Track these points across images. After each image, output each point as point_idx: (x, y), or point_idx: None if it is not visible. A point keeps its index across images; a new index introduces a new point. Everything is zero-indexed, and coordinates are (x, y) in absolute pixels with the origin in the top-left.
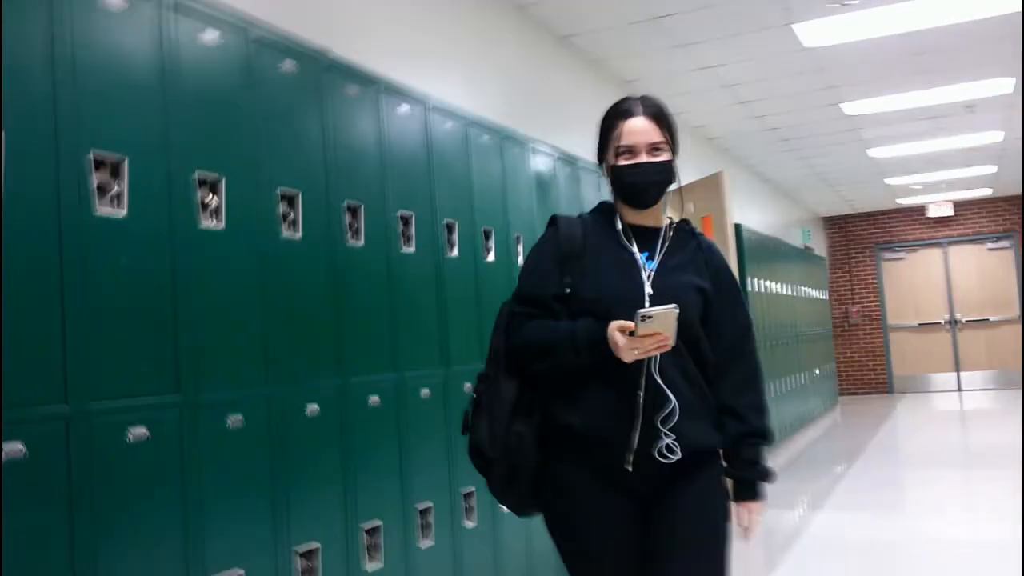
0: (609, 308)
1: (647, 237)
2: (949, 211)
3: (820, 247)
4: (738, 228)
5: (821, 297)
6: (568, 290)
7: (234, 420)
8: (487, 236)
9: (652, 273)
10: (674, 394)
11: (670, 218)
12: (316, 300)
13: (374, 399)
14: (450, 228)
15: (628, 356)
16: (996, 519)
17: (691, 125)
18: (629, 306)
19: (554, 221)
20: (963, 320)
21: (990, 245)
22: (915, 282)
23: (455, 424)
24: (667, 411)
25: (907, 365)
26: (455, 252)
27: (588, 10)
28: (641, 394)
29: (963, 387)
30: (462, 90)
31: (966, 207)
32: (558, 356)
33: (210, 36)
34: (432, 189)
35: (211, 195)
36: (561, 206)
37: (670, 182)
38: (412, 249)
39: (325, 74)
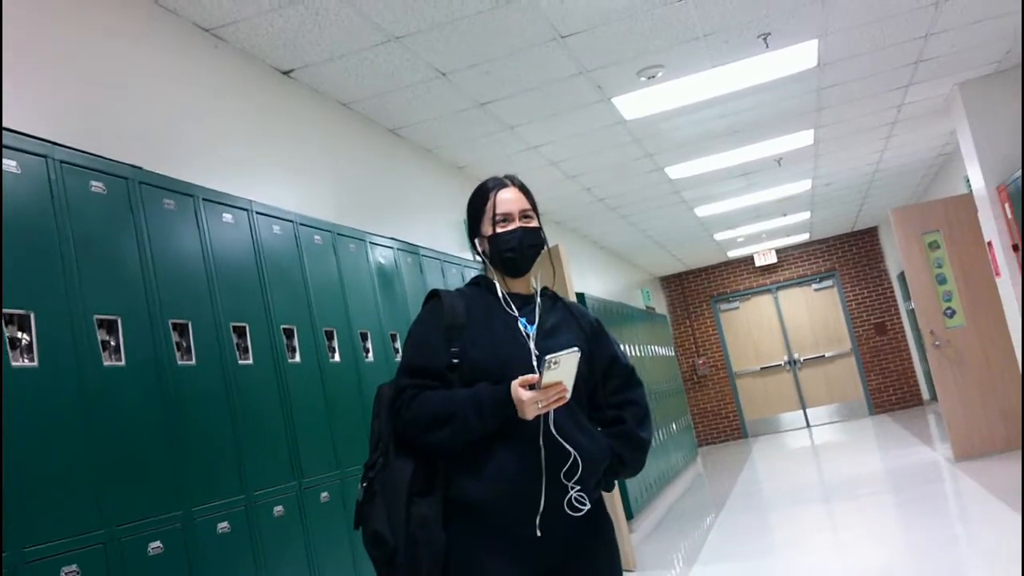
0: (502, 372)
1: (522, 303)
2: (773, 259)
3: (661, 305)
4: (581, 297)
5: (668, 354)
6: (456, 360)
7: (68, 572)
8: (329, 337)
9: (534, 336)
10: (574, 447)
11: (542, 286)
12: (148, 428)
13: (223, 526)
14: (289, 333)
15: (532, 411)
16: (866, 547)
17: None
18: (520, 369)
19: (435, 294)
20: (801, 359)
21: (815, 286)
22: (752, 328)
23: (317, 541)
24: (569, 465)
25: (757, 408)
26: (297, 357)
27: (412, 103)
28: (543, 452)
29: (811, 423)
30: (291, 192)
31: (788, 253)
32: (459, 424)
33: (8, 164)
34: (266, 295)
35: (20, 332)
36: (406, 297)
37: (542, 247)
38: (250, 360)
39: (139, 190)
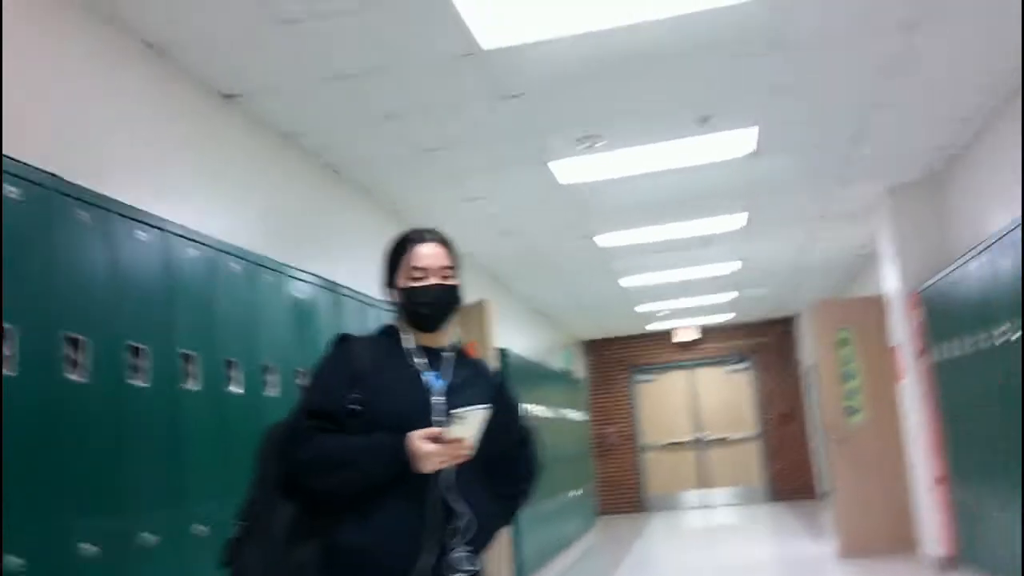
0: (401, 424)
1: (434, 357)
2: (696, 335)
3: (581, 369)
4: (504, 352)
5: (581, 419)
6: (357, 407)
7: None
8: (230, 367)
9: (442, 391)
10: (462, 507)
11: (455, 341)
12: (29, 441)
13: (89, 548)
14: (189, 359)
15: (430, 465)
16: None
17: (459, 252)
18: (420, 423)
19: (344, 339)
20: (707, 439)
21: (729, 368)
22: (664, 403)
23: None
24: (461, 524)
25: (659, 483)
26: (194, 384)
27: (357, 142)
28: (434, 508)
29: (709, 504)
30: (216, 217)
31: (710, 331)
32: (352, 471)
33: None
34: (171, 318)
35: None
36: (322, 334)
37: (458, 305)
38: (144, 382)
39: (55, 199)
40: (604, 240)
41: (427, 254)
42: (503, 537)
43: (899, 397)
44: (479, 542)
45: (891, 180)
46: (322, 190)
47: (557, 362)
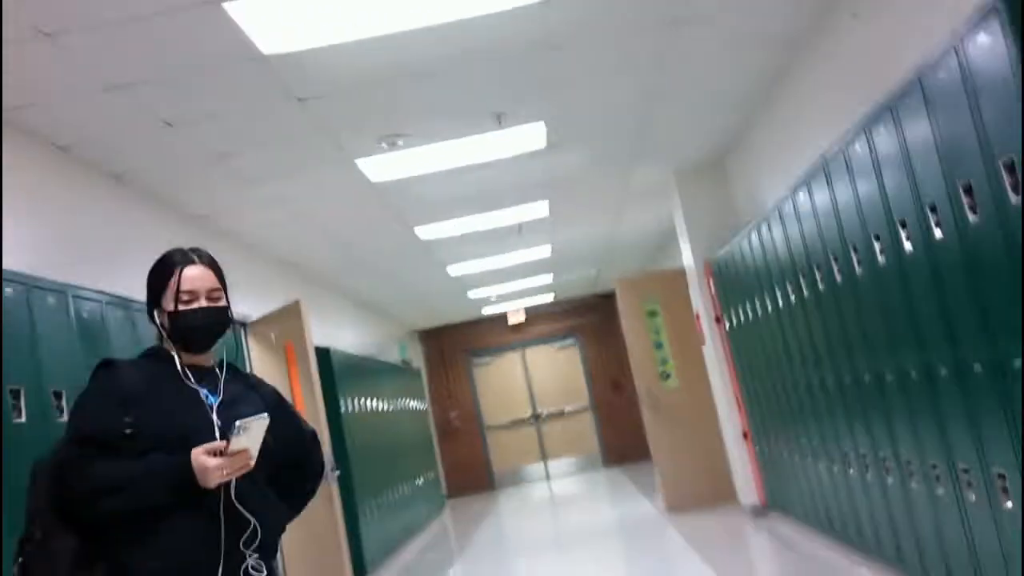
0: (182, 442)
1: (204, 375)
2: (523, 317)
3: (419, 358)
4: (327, 352)
5: (421, 407)
6: (130, 430)
7: None
8: (16, 396)
9: (215, 407)
10: (254, 515)
11: (218, 359)
12: None
13: None
14: None
15: (215, 478)
16: None
17: (272, 254)
18: (201, 439)
19: (108, 364)
20: (545, 414)
21: (558, 344)
22: (502, 383)
23: None
24: (249, 533)
25: (504, 460)
26: None
27: (140, 151)
28: (223, 521)
29: (551, 475)
30: None
31: (536, 312)
32: (132, 495)
33: None
34: None
35: None
36: (115, 352)
37: (228, 326)
38: None
39: None
40: (425, 232)
41: (195, 276)
42: (338, 536)
43: (704, 361)
44: (270, 548)
45: (678, 163)
46: (107, 202)
47: (393, 355)
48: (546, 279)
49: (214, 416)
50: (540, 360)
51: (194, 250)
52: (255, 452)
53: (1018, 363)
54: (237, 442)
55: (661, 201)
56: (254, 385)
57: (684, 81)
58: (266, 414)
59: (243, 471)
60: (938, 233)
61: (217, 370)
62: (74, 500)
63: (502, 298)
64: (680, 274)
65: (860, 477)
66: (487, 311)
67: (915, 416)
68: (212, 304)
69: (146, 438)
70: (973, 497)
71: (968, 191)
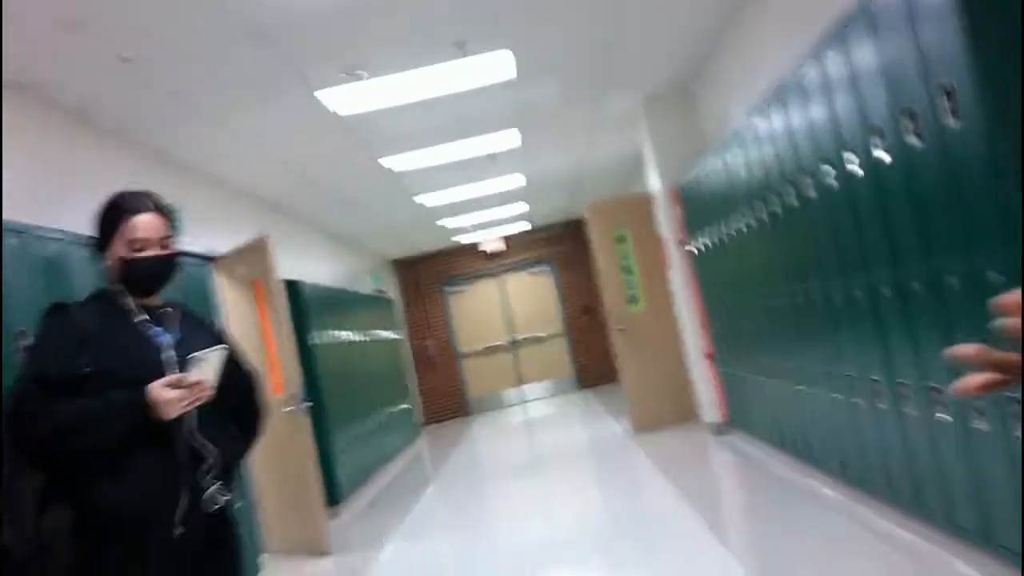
0: (138, 381)
1: (154, 314)
2: (499, 246)
3: (393, 289)
4: (296, 285)
5: (395, 337)
6: (89, 369)
7: None
8: None
9: (171, 344)
10: (214, 444)
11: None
12: None
13: None
14: None
15: (174, 410)
16: (545, 514)
17: (237, 187)
18: (156, 376)
19: (60, 307)
20: (520, 339)
21: (531, 271)
22: (477, 311)
23: None
24: (211, 462)
25: (480, 387)
26: None
27: (98, 88)
28: (185, 452)
29: (527, 399)
30: None
31: (514, 240)
32: (97, 432)
33: None
34: None
35: None
36: (79, 291)
37: (177, 272)
38: None
39: None
40: (391, 163)
41: (147, 224)
42: (310, 466)
43: (670, 285)
44: (228, 477)
45: (646, 90)
46: (66, 140)
47: (366, 286)
48: (520, 208)
49: (168, 354)
50: (515, 286)
51: (145, 194)
52: (214, 382)
53: (955, 280)
54: (195, 373)
55: (630, 128)
56: (202, 322)
57: (648, 9)
58: (225, 345)
59: (202, 401)
60: (884, 156)
61: (169, 308)
62: (38, 439)
63: (476, 227)
64: (649, 199)
65: (810, 394)
66: (459, 239)
67: (860, 335)
68: (163, 252)
69: (104, 377)
70: (912, 411)
71: (911, 116)
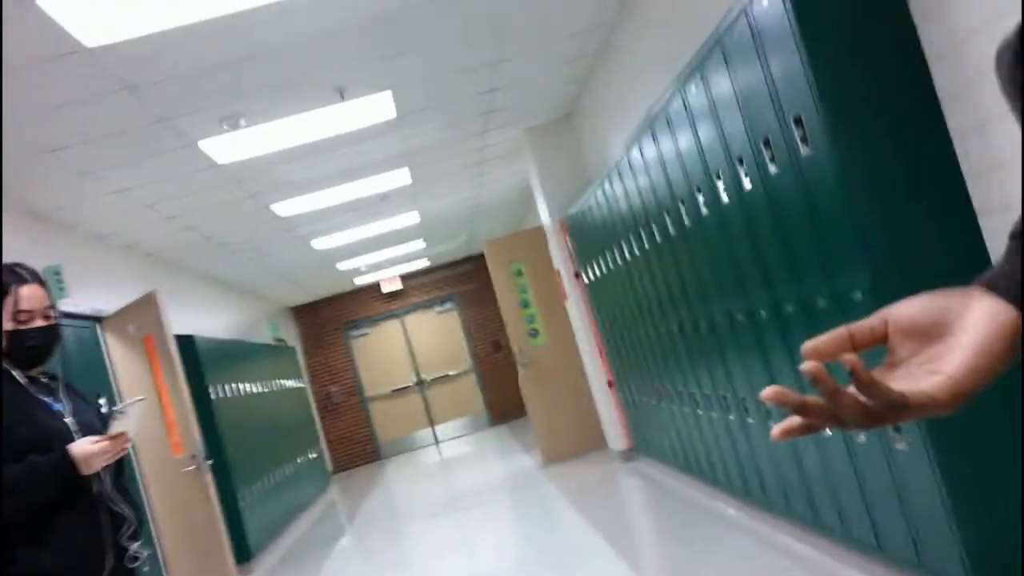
0: (50, 445)
1: (39, 384)
2: (399, 285)
3: (292, 336)
4: (190, 340)
5: (298, 385)
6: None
7: None
8: None
9: (70, 411)
10: (128, 505)
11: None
12: None
13: None
14: None
15: (99, 462)
16: (483, 551)
17: (122, 244)
18: (65, 439)
19: None
20: (428, 379)
21: (437, 309)
22: (382, 353)
23: None
24: (129, 521)
25: (390, 430)
26: None
27: None
28: (106, 512)
29: (439, 439)
30: None
31: (412, 279)
32: (23, 493)
33: None
34: None
35: None
36: None
37: (60, 341)
38: None
39: None
40: (282, 209)
41: (30, 296)
42: (217, 525)
43: (568, 316)
44: (139, 533)
45: (528, 122)
46: None
47: (264, 335)
48: (418, 245)
49: (70, 420)
50: (420, 326)
51: (21, 266)
52: (134, 434)
53: (823, 300)
54: (118, 425)
55: (518, 161)
56: (76, 390)
57: (521, 45)
58: (144, 396)
59: (123, 453)
60: (747, 183)
61: (52, 378)
62: None
63: (374, 267)
64: (540, 232)
65: (706, 417)
66: (359, 281)
67: (745, 356)
68: (48, 322)
69: (19, 446)
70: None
71: (767, 144)
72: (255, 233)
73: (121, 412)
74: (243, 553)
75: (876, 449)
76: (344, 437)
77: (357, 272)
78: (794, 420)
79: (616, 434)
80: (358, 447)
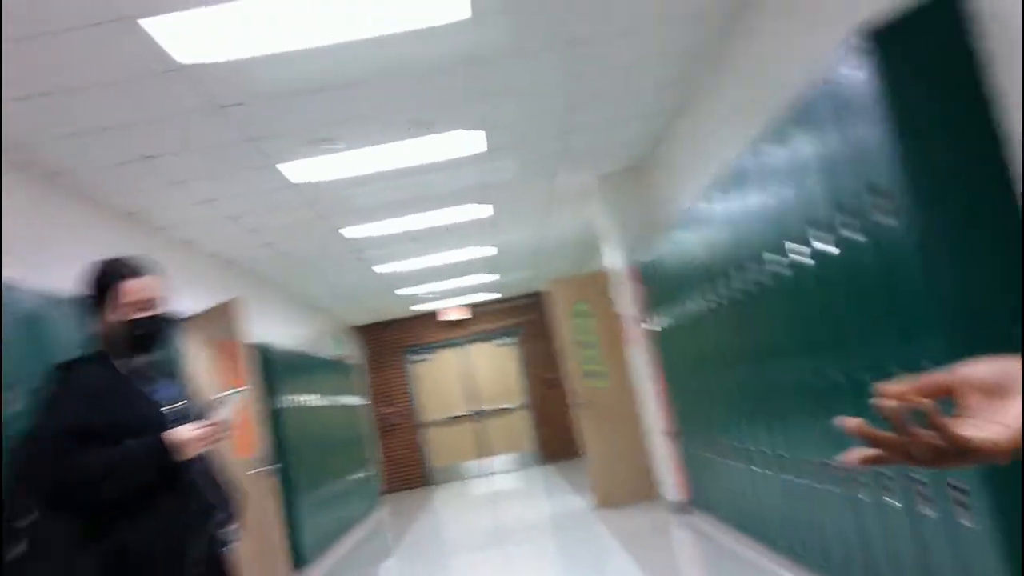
0: (146, 431)
1: (139, 373)
2: (466, 314)
3: (356, 354)
4: (264, 348)
5: (358, 403)
6: (105, 423)
7: None
8: None
9: (171, 399)
10: (217, 492)
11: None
12: None
13: None
14: None
15: (194, 449)
16: None
17: (206, 252)
18: (162, 427)
19: (69, 367)
20: (483, 410)
21: (497, 342)
22: (440, 380)
23: None
24: (220, 504)
25: (441, 457)
26: None
27: (67, 153)
28: (199, 496)
29: (488, 471)
30: None
31: (479, 308)
32: (121, 477)
33: None
34: None
35: None
36: (62, 346)
37: (170, 329)
38: None
39: None
40: (351, 232)
41: (148, 286)
42: (277, 527)
43: (632, 362)
44: (232, 515)
45: (601, 169)
46: (43, 204)
47: (329, 350)
48: (485, 277)
49: (171, 408)
50: (480, 357)
51: (136, 258)
52: (233, 423)
53: (896, 369)
54: (218, 414)
55: (584, 205)
56: (176, 378)
57: (602, 92)
58: (247, 386)
59: (222, 440)
60: (825, 247)
61: (152, 366)
62: (69, 488)
63: (439, 295)
64: (605, 276)
65: (765, 476)
66: (417, 308)
67: (813, 419)
68: (164, 313)
69: (116, 431)
70: (864, 496)
71: (844, 209)
72: (323, 254)
73: (223, 401)
74: (298, 559)
75: (941, 523)
76: (396, 459)
77: (418, 299)
78: (867, 450)
79: (671, 484)
80: (409, 470)
